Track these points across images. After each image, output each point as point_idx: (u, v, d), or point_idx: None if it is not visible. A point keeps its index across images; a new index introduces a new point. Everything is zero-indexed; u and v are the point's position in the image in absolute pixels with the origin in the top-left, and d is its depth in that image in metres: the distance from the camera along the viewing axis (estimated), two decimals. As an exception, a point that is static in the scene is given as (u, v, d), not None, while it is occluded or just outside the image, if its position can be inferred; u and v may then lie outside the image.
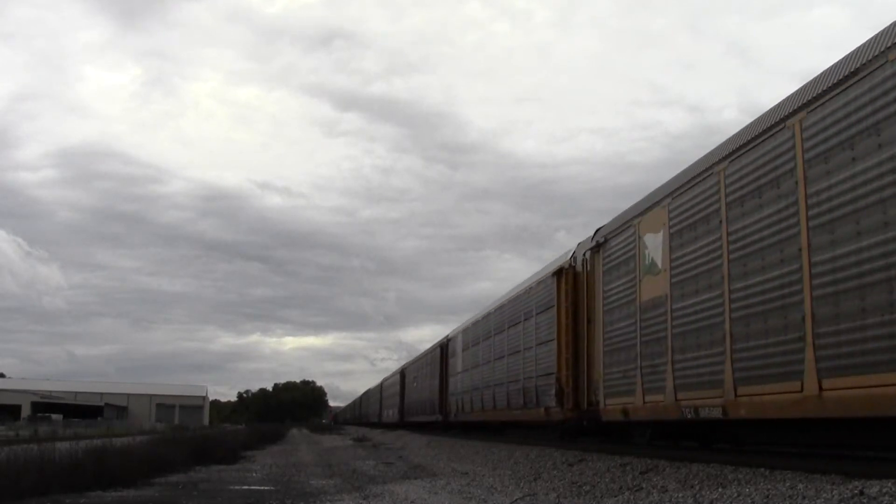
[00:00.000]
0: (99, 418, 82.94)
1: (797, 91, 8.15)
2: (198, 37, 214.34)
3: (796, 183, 7.78)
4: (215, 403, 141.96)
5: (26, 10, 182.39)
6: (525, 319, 17.76)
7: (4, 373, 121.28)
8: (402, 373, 43.75)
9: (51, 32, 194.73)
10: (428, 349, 35.67)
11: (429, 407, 32.79)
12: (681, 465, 9.23)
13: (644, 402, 11.07)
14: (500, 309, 20.65)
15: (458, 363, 26.57)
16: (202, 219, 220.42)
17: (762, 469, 7.94)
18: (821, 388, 7.25)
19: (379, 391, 59.61)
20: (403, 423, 41.72)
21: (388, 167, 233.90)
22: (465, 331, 25.70)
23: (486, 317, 22.34)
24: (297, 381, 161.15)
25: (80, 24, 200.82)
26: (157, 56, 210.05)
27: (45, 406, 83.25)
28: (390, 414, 49.02)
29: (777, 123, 8.25)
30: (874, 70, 6.80)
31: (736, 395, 8.72)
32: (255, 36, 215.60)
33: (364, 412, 75.92)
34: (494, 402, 20.38)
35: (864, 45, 7.15)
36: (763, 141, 8.48)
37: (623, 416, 12.02)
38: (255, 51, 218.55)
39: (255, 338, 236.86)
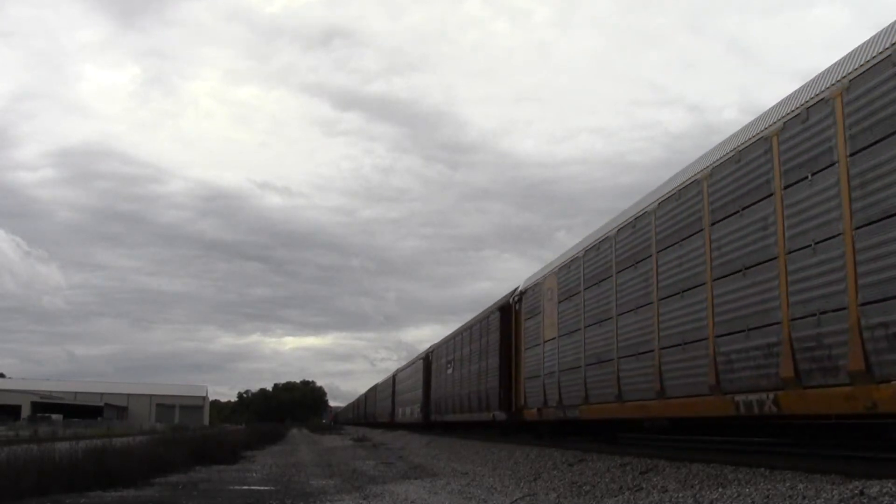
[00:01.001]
0: (99, 418, 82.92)
1: None
2: (197, 36, 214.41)
3: None
4: (215, 403, 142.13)
5: (25, 9, 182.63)
6: (790, 185, 8.21)
7: (4, 373, 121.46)
8: (427, 358, 35.05)
9: (49, 31, 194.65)
10: (474, 318, 26.15)
11: (479, 401, 23.50)
12: (681, 465, 9.24)
13: None
14: (680, 196, 10.76)
15: (543, 327, 17.08)
16: (202, 219, 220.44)
17: (762, 469, 7.95)
18: None
19: (391, 385, 49.78)
20: (430, 424, 33.38)
21: (387, 167, 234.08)
22: (564, 269, 15.97)
23: (632, 225, 12.37)
24: (297, 381, 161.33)
25: (79, 24, 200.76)
26: (157, 55, 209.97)
27: (45, 406, 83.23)
28: (408, 412, 40.11)
29: None
30: None
31: None
32: (255, 35, 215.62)
33: (369, 411, 67.26)
34: (662, 381, 10.79)
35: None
36: None
37: None
38: (255, 50, 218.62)
39: (255, 338, 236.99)
